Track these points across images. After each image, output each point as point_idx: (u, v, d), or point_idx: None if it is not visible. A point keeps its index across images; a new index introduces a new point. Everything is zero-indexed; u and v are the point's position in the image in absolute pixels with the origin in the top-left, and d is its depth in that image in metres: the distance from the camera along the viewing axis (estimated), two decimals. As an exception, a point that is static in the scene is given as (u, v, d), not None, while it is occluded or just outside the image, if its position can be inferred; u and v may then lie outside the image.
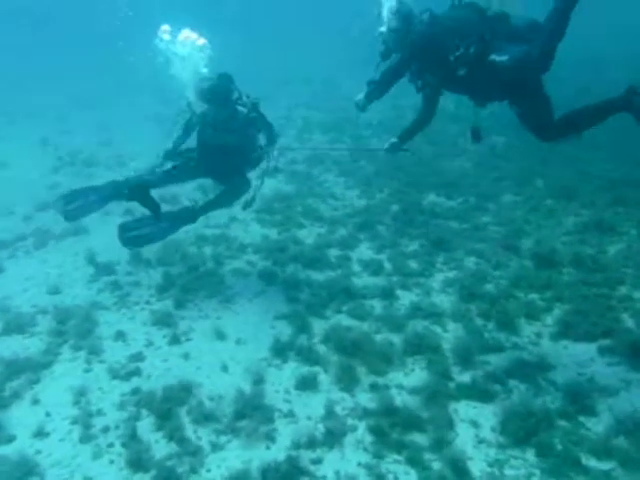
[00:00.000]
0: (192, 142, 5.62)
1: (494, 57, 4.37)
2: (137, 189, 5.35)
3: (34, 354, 4.58)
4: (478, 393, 3.83)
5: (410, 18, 4.91)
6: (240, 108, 5.36)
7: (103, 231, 7.15)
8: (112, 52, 12.93)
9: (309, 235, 6.72)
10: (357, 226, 6.78)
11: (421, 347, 4.39)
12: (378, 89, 5.24)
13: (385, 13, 5.01)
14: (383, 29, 5.04)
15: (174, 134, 5.47)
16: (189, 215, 5.61)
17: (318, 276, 5.70)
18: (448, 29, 4.66)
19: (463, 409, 3.74)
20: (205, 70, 5.38)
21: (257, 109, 5.40)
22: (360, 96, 5.36)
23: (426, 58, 4.91)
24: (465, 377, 4.03)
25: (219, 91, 5.20)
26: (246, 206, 5.26)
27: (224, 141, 5.42)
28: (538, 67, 4.37)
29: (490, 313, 4.76)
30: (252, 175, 5.62)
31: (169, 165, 5.56)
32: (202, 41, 5.45)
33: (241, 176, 5.62)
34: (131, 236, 5.42)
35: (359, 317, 4.92)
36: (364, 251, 6.22)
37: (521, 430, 3.40)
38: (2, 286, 5.82)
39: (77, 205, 5.49)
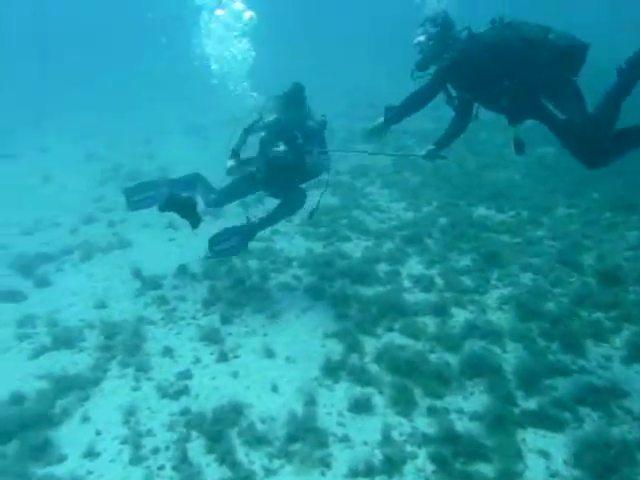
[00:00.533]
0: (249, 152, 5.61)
1: (551, 109, 4.26)
2: (173, 200, 5.46)
3: (83, 370, 4.53)
4: (546, 421, 3.59)
5: (449, 28, 4.76)
6: (310, 122, 5.39)
7: (147, 244, 7.17)
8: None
9: (355, 249, 6.57)
10: (405, 239, 6.60)
11: (480, 368, 4.18)
12: (400, 113, 4.88)
13: (424, 21, 4.85)
14: (421, 38, 4.86)
15: (236, 136, 5.53)
16: (253, 228, 5.75)
17: (367, 292, 5.53)
18: (489, 51, 4.45)
19: (531, 438, 3.51)
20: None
21: (324, 125, 5.43)
22: (379, 120, 5.13)
23: (463, 76, 4.70)
24: (531, 403, 3.79)
25: (295, 95, 5.28)
26: (311, 216, 5.44)
27: (289, 153, 5.33)
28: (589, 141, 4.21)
29: (553, 333, 4.51)
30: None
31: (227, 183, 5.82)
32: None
33: (298, 190, 5.64)
34: (220, 249, 5.71)
35: (412, 335, 4.73)
36: (414, 266, 6.03)
37: (598, 464, 3.15)
38: (50, 300, 5.84)
39: (142, 197, 5.72)
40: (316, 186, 6.02)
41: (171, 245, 7.16)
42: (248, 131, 5.47)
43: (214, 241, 5.74)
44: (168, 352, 4.78)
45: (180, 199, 5.54)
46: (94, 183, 9.83)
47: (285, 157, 5.28)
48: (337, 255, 6.37)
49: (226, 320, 5.24)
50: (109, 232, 7.62)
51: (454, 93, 4.99)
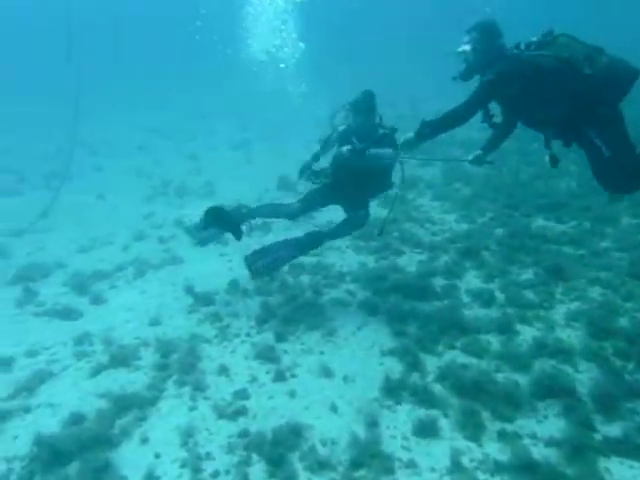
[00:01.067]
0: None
1: (597, 143, 4.13)
2: (214, 212, 5.50)
3: (140, 389, 4.50)
4: (632, 449, 3.33)
5: (496, 38, 4.59)
6: (381, 130, 5.39)
7: (197, 260, 7.17)
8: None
9: (409, 262, 6.40)
10: (460, 252, 6.39)
11: (552, 390, 3.94)
12: (435, 130, 4.70)
13: (470, 29, 4.71)
14: (466, 47, 4.69)
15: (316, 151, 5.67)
16: (315, 240, 5.77)
17: (424, 307, 5.35)
18: (535, 75, 4.28)
19: (616, 468, 3.26)
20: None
21: (394, 133, 5.36)
22: (409, 135, 4.82)
23: (507, 96, 4.54)
24: (613, 429, 3.53)
25: (365, 102, 5.30)
26: (380, 232, 5.52)
27: (360, 162, 5.27)
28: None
29: (629, 352, 4.23)
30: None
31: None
32: None
33: (365, 207, 5.74)
34: (258, 266, 5.65)
35: (475, 354, 4.52)
36: (471, 280, 5.81)
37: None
38: (105, 317, 5.87)
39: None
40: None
41: (222, 261, 7.14)
42: (325, 145, 5.53)
43: (251, 260, 5.72)
44: (224, 371, 4.71)
45: (217, 210, 5.54)
46: (144, 200, 9.97)
47: (346, 157, 5.24)
48: (390, 269, 6.21)
49: (281, 337, 5.14)
50: (160, 248, 7.67)
51: (493, 111, 4.84)
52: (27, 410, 4.32)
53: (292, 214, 5.94)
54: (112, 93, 19.40)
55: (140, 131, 15.04)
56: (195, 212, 9.00)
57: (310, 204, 5.86)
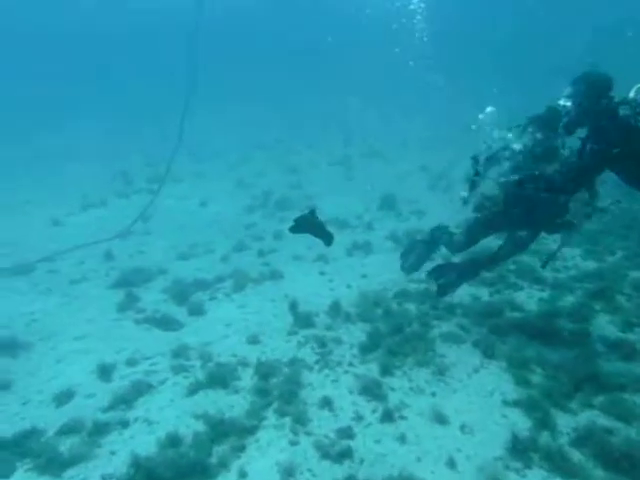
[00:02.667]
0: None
1: None
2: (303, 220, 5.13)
3: (239, 415, 4.23)
4: None
5: (603, 96, 4.28)
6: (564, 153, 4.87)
7: (297, 277, 6.93)
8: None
9: (529, 300, 5.79)
10: (589, 293, 5.71)
11: None
12: None
13: (575, 82, 4.44)
14: (568, 104, 4.43)
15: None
16: (491, 261, 5.55)
17: (551, 354, 4.74)
18: None
19: None
20: None
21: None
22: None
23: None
24: None
25: (550, 120, 4.81)
26: (544, 265, 5.24)
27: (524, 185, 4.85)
28: None
29: None
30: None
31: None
32: None
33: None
34: (443, 284, 5.57)
35: (621, 417, 3.88)
36: (605, 326, 5.13)
37: None
38: (203, 330, 5.72)
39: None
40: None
41: (322, 279, 6.84)
42: (489, 161, 5.05)
43: (436, 274, 5.64)
44: (327, 403, 4.35)
45: (307, 218, 5.15)
46: (244, 210, 9.92)
47: (518, 189, 4.79)
48: (507, 305, 5.65)
49: (387, 371, 4.72)
50: (259, 262, 7.51)
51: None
52: (125, 425, 4.18)
53: (456, 248, 5.67)
54: (223, 105, 19.84)
55: (244, 143, 15.20)
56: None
57: (475, 236, 5.47)
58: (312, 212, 5.11)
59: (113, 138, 16.20)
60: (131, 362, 5.12)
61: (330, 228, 8.56)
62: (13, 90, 22.87)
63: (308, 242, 8.04)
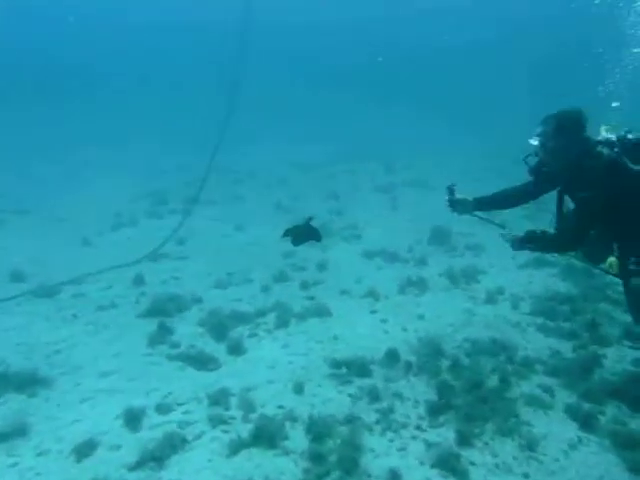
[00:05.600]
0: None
1: None
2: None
3: (291, 487, 3.53)
4: None
5: (574, 134, 3.97)
6: None
7: (346, 315, 6.24)
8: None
9: (621, 359, 5.01)
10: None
11: None
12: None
13: (544, 120, 4.09)
14: (535, 142, 4.11)
15: None
16: None
17: (662, 430, 3.96)
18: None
19: None
20: None
21: None
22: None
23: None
24: None
25: None
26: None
27: None
28: None
29: None
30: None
31: None
32: None
33: None
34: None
35: None
36: None
37: None
38: (244, 372, 5.06)
39: None
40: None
41: (374, 319, 6.13)
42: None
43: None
44: (394, 477, 3.63)
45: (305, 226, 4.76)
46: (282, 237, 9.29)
47: None
48: (597, 365, 4.86)
49: (464, 440, 3.98)
50: (302, 295, 6.83)
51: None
52: (155, 490, 3.50)
53: None
54: (263, 123, 19.52)
55: (283, 163, 14.69)
56: (340, 255, 8.21)
57: None
58: (309, 219, 4.75)
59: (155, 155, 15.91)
60: (162, 408, 4.46)
61: (378, 261, 7.99)
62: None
63: (355, 274, 7.45)
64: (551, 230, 4.35)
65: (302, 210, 10.43)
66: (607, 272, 4.15)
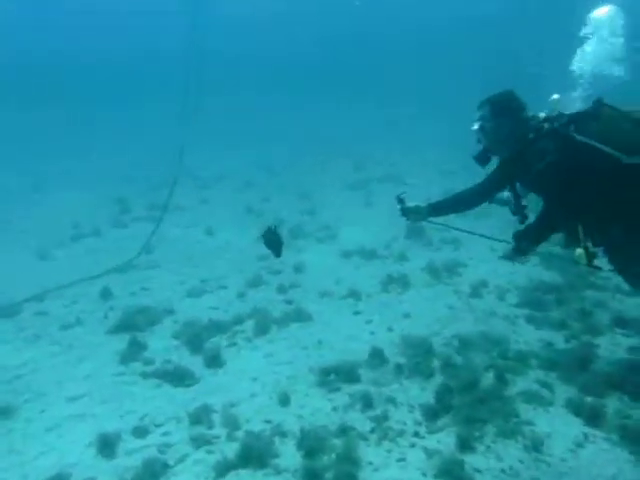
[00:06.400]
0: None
1: None
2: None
3: (288, 512, 3.23)
4: None
5: (514, 113, 4.01)
6: None
7: (328, 318, 5.97)
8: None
9: (616, 348, 4.86)
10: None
11: None
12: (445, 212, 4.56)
13: (481, 104, 4.14)
14: (476, 127, 4.12)
15: None
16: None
17: (670, 421, 3.80)
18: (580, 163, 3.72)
19: None
20: None
21: None
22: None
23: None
24: None
25: None
26: None
27: None
28: None
29: None
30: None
31: None
32: None
33: None
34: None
35: None
36: None
37: None
38: (225, 386, 4.74)
39: None
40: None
41: (358, 320, 5.87)
42: None
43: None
44: (390, 492, 3.37)
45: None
46: (257, 239, 8.94)
47: None
48: (593, 356, 4.69)
49: (465, 445, 3.75)
50: (280, 299, 6.53)
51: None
52: (138, 529, 3.16)
53: None
54: (224, 125, 19.09)
55: (249, 166, 14.29)
56: (316, 256, 7.92)
57: None
58: (276, 227, 4.52)
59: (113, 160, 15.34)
60: (139, 431, 4.12)
61: (356, 259, 7.73)
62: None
63: (334, 275, 7.18)
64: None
65: (273, 212, 10.15)
66: (577, 263, 3.94)
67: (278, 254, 4.54)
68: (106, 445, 3.93)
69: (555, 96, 4.03)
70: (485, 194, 4.36)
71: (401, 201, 4.52)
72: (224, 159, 15.13)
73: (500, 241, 4.45)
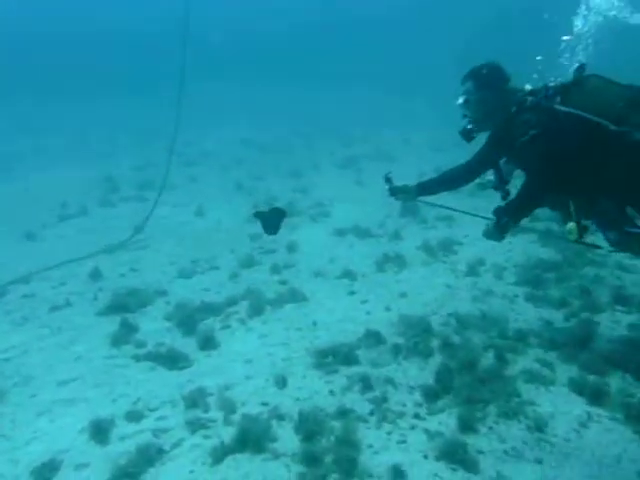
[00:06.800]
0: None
1: None
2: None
3: (286, 496, 3.15)
4: None
5: (498, 85, 3.98)
6: None
7: (323, 298, 5.86)
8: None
9: (615, 325, 4.80)
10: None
11: None
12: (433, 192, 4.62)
13: (464, 78, 4.09)
14: (461, 100, 4.08)
15: None
16: None
17: (673, 399, 3.75)
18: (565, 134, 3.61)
19: None
20: None
21: None
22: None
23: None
24: None
25: None
26: None
27: None
28: None
29: None
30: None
31: None
32: None
33: None
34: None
35: None
36: None
37: None
38: (220, 368, 4.63)
39: None
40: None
41: (354, 300, 5.77)
42: None
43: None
44: (399, 475, 3.29)
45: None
46: (248, 218, 8.79)
47: None
48: (593, 333, 4.63)
49: (467, 426, 3.67)
50: (274, 279, 6.40)
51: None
52: (132, 515, 3.06)
53: None
54: (211, 101, 18.77)
55: (237, 144, 14.06)
56: (310, 235, 7.80)
57: None
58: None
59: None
60: (133, 416, 4.01)
61: (350, 238, 7.62)
62: None
63: (328, 254, 7.06)
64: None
65: (264, 190, 9.99)
66: (568, 239, 3.85)
67: (274, 232, 4.44)
68: (99, 430, 3.81)
69: (566, 37, 3.97)
70: (474, 171, 4.30)
71: (388, 180, 4.44)
72: (210, 138, 14.88)
73: (488, 219, 4.33)
